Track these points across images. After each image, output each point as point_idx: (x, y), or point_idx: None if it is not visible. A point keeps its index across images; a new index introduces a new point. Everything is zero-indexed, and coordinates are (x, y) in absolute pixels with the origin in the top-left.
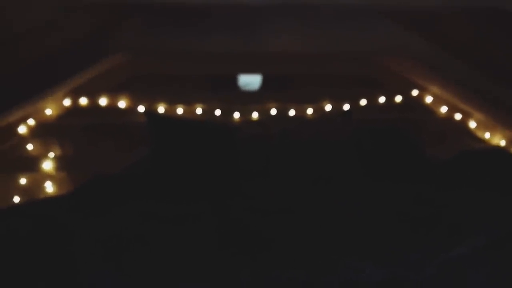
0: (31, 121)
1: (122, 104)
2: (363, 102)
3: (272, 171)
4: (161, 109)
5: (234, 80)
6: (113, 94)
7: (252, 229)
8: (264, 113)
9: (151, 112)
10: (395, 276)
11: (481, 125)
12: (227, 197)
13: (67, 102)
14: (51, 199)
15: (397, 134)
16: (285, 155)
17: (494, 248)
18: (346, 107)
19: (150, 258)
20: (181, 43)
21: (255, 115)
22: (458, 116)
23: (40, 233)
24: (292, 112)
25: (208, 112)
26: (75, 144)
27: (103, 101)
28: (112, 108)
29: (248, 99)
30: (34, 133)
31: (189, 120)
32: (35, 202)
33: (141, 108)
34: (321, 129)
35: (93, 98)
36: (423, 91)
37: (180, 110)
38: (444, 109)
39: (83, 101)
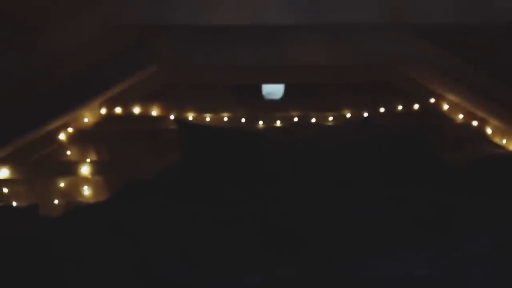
0: (70, 129)
1: (154, 112)
2: (382, 109)
3: (297, 175)
4: (190, 117)
5: (259, 89)
6: (146, 103)
7: (289, 231)
8: (287, 121)
9: (181, 120)
10: (408, 272)
11: (498, 131)
12: (259, 202)
13: (103, 110)
14: (99, 204)
15: (416, 140)
16: (308, 160)
17: (498, 249)
18: (366, 114)
19: (209, 253)
20: (209, 56)
21: (278, 122)
22: (474, 123)
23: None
24: (313, 120)
25: (234, 120)
26: (111, 150)
27: (136, 110)
28: (144, 116)
29: (271, 107)
30: (72, 140)
31: (217, 127)
32: (92, 206)
33: (172, 116)
34: (342, 136)
35: (127, 107)
36: (440, 99)
37: (208, 118)
38: (461, 116)
39: (118, 109)
